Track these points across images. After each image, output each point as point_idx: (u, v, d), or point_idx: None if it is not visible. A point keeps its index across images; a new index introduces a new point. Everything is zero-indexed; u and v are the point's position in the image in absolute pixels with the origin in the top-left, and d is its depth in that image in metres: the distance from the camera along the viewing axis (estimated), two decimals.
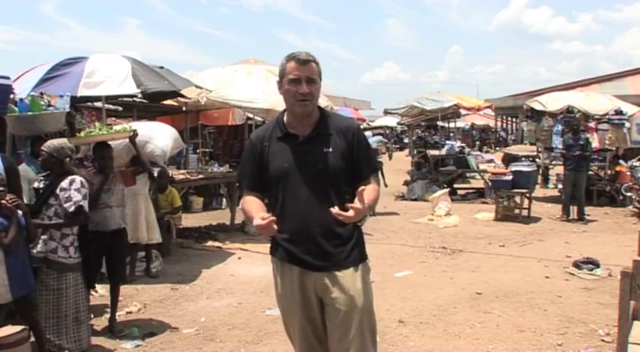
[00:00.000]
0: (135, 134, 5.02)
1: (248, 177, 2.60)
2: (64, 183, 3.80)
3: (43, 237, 3.77)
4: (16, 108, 4.72)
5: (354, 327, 2.45)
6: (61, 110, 4.89)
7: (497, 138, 31.16)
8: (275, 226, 2.30)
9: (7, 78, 4.59)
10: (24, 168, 4.47)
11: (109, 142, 4.82)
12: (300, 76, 2.42)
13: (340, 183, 2.47)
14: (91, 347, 4.02)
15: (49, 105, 4.81)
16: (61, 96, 4.92)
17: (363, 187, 2.31)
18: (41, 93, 4.94)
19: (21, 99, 4.78)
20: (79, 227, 3.93)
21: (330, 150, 2.46)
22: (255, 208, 2.47)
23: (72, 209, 3.76)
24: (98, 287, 5.16)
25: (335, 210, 2.25)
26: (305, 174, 2.44)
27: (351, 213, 2.25)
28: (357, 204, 2.26)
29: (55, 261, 3.78)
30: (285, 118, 2.55)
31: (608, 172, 12.28)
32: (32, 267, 3.67)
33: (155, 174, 6.54)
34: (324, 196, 2.42)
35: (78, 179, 3.86)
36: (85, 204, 3.83)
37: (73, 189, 3.79)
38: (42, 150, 3.91)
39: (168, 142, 6.42)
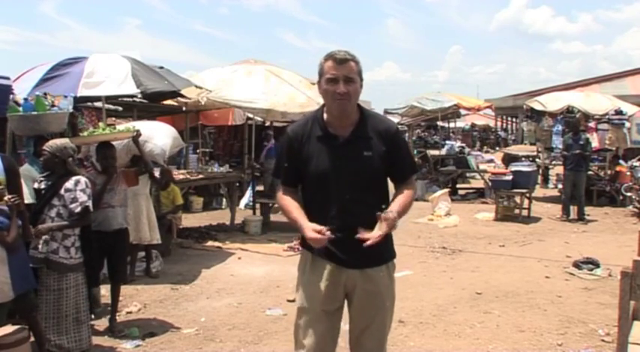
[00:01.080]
0: (138, 134, 5.02)
1: (284, 172, 2.62)
2: (69, 184, 3.79)
3: (45, 237, 3.76)
4: (20, 108, 4.72)
5: (377, 322, 2.53)
6: (65, 110, 4.89)
7: (497, 138, 31.16)
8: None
9: (8, 78, 4.59)
10: (27, 168, 4.47)
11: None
12: (337, 76, 2.41)
13: (378, 185, 2.52)
14: (91, 347, 4.02)
15: (53, 106, 4.81)
16: (66, 96, 4.92)
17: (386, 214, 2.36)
18: (45, 94, 4.94)
19: (25, 99, 4.78)
20: (82, 227, 3.93)
21: (370, 154, 2.47)
22: (298, 213, 2.50)
23: (78, 209, 3.76)
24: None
25: (362, 235, 2.32)
26: (344, 176, 2.46)
27: (377, 232, 2.33)
28: (380, 228, 2.33)
29: (55, 262, 3.77)
30: (324, 116, 2.54)
31: (608, 172, 12.28)
32: (32, 268, 3.67)
33: (156, 174, 6.53)
34: (362, 197, 2.46)
35: (83, 180, 3.86)
36: (91, 204, 3.83)
37: (79, 190, 3.79)
38: (44, 150, 3.89)
39: (167, 141, 6.41)
